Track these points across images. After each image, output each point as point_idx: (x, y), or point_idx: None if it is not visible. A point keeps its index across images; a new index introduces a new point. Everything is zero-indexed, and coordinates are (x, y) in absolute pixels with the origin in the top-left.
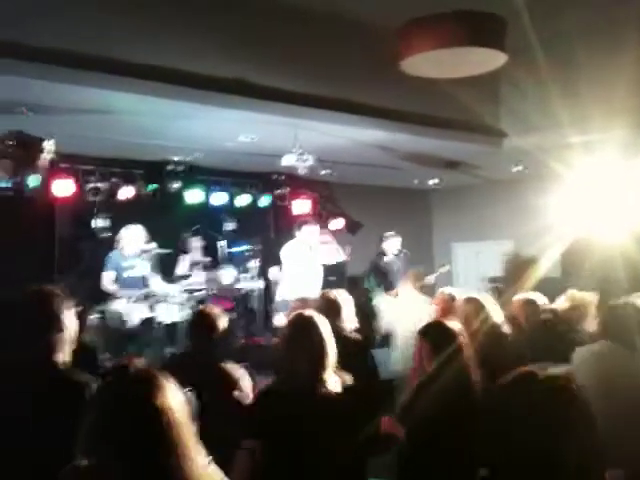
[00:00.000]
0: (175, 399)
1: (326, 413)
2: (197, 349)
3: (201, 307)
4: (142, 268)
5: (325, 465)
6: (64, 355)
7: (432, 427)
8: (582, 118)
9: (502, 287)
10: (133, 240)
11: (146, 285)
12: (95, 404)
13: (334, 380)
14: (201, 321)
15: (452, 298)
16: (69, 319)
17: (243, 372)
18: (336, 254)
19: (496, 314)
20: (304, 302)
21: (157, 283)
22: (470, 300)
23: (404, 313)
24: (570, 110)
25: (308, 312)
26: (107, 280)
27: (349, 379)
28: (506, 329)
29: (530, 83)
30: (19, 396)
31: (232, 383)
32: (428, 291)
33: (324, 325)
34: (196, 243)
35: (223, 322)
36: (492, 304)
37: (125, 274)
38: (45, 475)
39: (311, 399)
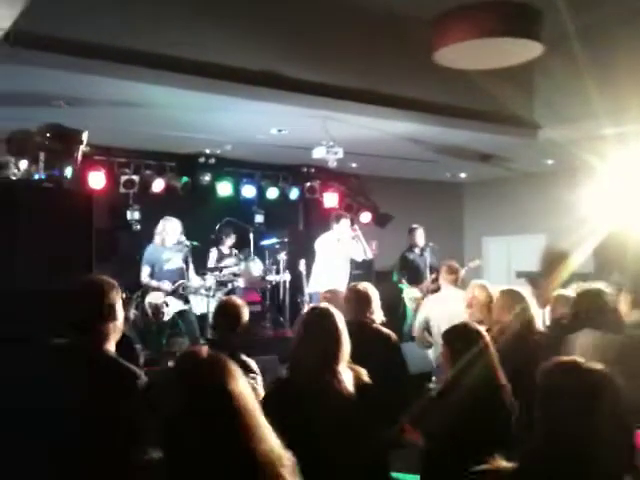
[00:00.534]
0: (245, 384)
1: (337, 407)
2: (222, 339)
3: (225, 298)
4: (178, 260)
5: (333, 461)
6: (112, 345)
7: (454, 433)
8: (618, 109)
9: (536, 281)
10: (173, 232)
11: (182, 277)
12: (170, 393)
13: (348, 375)
14: (225, 312)
15: (484, 288)
16: (120, 309)
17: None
18: (364, 251)
19: (532, 309)
20: (334, 294)
21: (191, 275)
22: (506, 292)
23: (439, 308)
24: (605, 101)
25: (323, 305)
26: (145, 274)
27: (364, 374)
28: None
29: (565, 74)
30: (74, 383)
31: (252, 373)
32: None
33: (339, 318)
34: (226, 235)
35: (246, 313)
36: (529, 298)
37: (164, 267)
38: (95, 461)
39: (323, 392)
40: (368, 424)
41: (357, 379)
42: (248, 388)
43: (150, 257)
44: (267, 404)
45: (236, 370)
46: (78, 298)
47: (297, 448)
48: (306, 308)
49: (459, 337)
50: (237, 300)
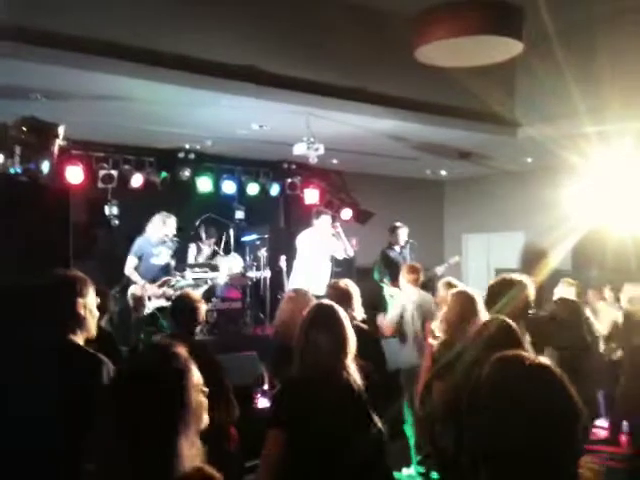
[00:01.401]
0: (198, 380)
1: (351, 399)
2: (180, 333)
3: (181, 293)
4: (166, 256)
5: (354, 450)
6: (81, 337)
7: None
8: (598, 108)
9: None
10: (171, 229)
11: (167, 273)
12: (120, 383)
13: (354, 367)
14: (183, 306)
15: (450, 287)
16: (90, 303)
17: None
18: (345, 249)
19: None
20: (297, 292)
21: (175, 272)
22: (459, 294)
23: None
24: (586, 99)
25: (326, 301)
26: (130, 266)
27: (368, 366)
28: None
29: (546, 72)
30: (40, 373)
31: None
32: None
33: (343, 313)
34: (205, 232)
35: (202, 308)
36: (481, 301)
37: (151, 260)
38: (59, 445)
39: (336, 386)
40: (373, 415)
41: (363, 372)
42: (200, 386)
43: (140, 250)
44: (282, 401)
45: (192, 367)
46: (49, 292)
47: (313, 440)
48: (284, 306)
49: None
50: (193, 295)
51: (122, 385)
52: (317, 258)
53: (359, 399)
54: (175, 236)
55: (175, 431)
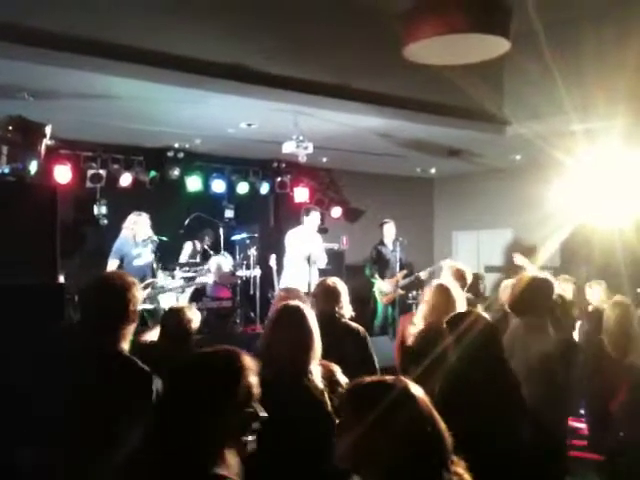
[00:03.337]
0: (250, 395)
1: (309, 405)
2: (172, 349)
3: (174, 308)
4: (147, 256)
5: (306, 455)
6: (127, 344)
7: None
8: (585, 105)
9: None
10: (143, 227)
11: (151, 273)
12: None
13: (318, 372)
14: (179, 321)
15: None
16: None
17: None
18: (321, 257)
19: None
20: (289, 292)
21: (159, 272)
22: (442, 290)
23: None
24: (573, 97)
25: (295, 302)
26: (112, 267)
27: (337, 370)
28: None
29: (534, 70)
30: (93, 381)
31: None
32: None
33: (311, 315)
34: (204, 233)
35: (194, 324)
36: (461, 296)
37: (134, 262)
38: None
39: (295, 390)
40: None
41: (328, 376)
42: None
43: (120, 251)
44: None
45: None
46: (103, 297)
47: (266, 443)
48: (276, 305)
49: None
50: (191, 313)
51: (178, 378)
52: (307, 256)
53: (319, 406)
54: (158, 235)
55: (213, 433)
